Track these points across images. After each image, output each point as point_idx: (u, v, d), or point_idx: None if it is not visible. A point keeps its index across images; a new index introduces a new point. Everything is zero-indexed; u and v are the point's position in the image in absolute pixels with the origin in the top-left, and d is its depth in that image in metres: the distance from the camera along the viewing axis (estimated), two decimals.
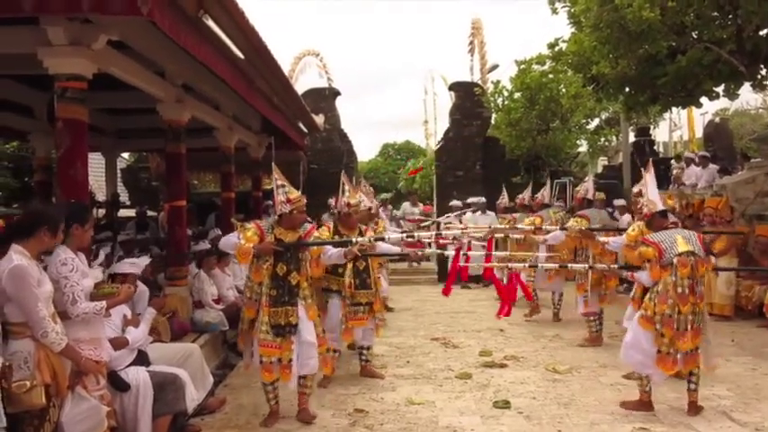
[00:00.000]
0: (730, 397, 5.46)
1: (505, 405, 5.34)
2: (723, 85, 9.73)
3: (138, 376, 4.18)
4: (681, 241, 4.97)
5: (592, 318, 7.54)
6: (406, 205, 15.50)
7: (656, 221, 5.30)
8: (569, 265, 6.88)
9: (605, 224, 7.79)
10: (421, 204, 15.95)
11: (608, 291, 7.49)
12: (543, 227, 7.87)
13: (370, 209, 7.49)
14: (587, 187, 8.37)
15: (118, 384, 4.02)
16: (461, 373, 6.34)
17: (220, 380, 6.12)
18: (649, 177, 5.45)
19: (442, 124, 20.48)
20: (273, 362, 4.81)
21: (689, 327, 4.87)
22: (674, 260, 4.90)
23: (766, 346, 7.25)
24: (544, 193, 9.26)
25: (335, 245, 5.35)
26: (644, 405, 5.09)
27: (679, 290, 4.87)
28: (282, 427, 4.93)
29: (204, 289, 6.90)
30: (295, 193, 4.99)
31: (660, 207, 5.31)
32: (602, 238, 6.47)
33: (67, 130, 4.66)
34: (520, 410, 5.22)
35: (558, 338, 7.89)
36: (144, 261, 5.20)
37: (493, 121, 16.26)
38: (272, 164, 5.17)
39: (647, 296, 5.11)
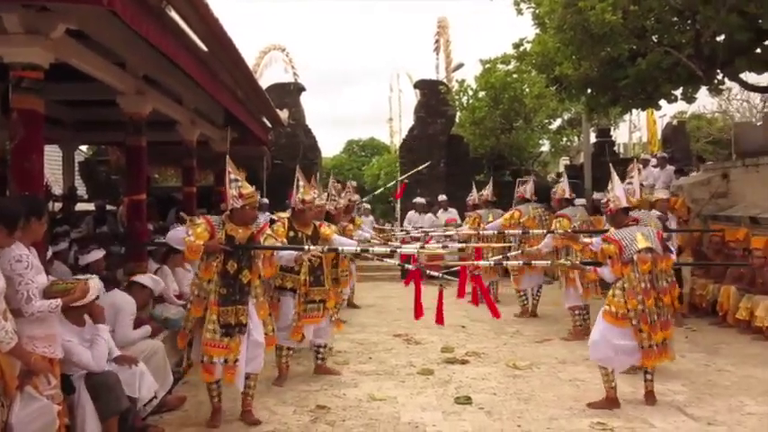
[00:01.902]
0: (684, 392, 5.60)
1: (467, 401, 5.38)
2: (681, 88, 9.96)
3: (77, 380, 4.08)
4: (640, 238, 5.14)
5: (577, 312, 7.73)
6: (411, 215, 13.27)
7: (619, 217, 5.43)
8: (533, 262, 6.98)
9: (585, 220, 7.99)
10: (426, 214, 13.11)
11: (590, 283, 7.58)
12: (531, 231, 8.09)
13: (349, 205, 7.46)
14: (564, 187, 8.44)
15: (65, 387, 3.90)
16: (423, 369, 6.37)
17: (180, 377, 6.03)
18: (616, 176, 5.65)
19: (407, 122, 20.55)
20: (216, 362, 4.66)
21: (656, 318, 5.08)
22: (634, 257, 5.06)
23: (719, 343, 7.45)
24: (526, 188, 9.38)
25: (287, 249, 5.19)
26: (611, 402, 5.18)
27: (642, 285, 5.07)
28: (242, 425, 4.88)
29: (168, 284, 6.79)
30: (248, 189, 4.83)
31: (624, 204, 5.45)
32: (585, 239, 6.56)
33: (22, 122, 4.51)
34: (481, 406, 5.27)
35: (519, 335, 7.99)
36: (98, 254, 5.10)
37: (457, 120, 16.38)
38: (227, 156, 5.03)
39: (611, 292, 5.24)
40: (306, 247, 5.22)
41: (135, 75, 6.51)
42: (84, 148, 17.98)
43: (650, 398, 5.26)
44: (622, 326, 5.09)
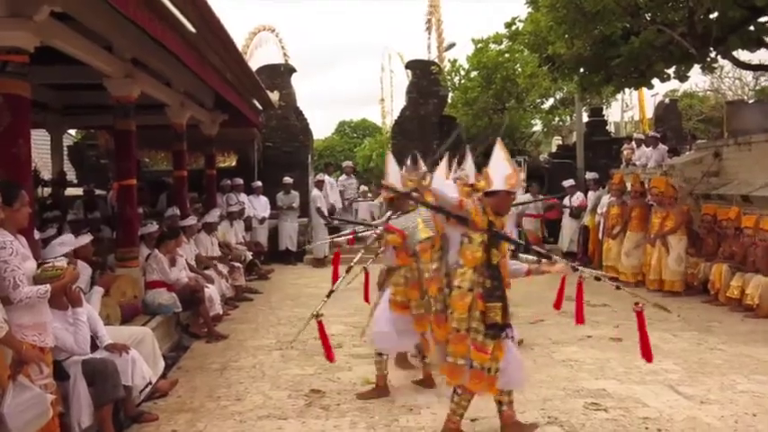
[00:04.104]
0: (677, 371, 5.63)
1: None
2: (674, 66, 9.91)
3: (73, 365, 4.06)
4: (422, 226, 4.96)
5: None
6: None
7: (398, 204, 5.24)
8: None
9: None
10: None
11: None
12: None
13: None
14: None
15: (58, 374, 3.88)
16: (416, 351, 6.35)
17: (173, 362, 6.02)
18: (390, 160, 5.48)
19: (399, 102, 20.45)
20: (485, 369, 3.98)
21: (440, 307, 4.90)
22: (417, 248, 4.93)
23: (711, 321, 7.50)
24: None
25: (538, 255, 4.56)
26: (381, 390, 5.13)
27: (426, 275, 4.89)
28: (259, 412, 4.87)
29: (165, 269, 6.77)
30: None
31: (401, 189, 5.20)
32: None
33: (8, 106, 4.43)
34: None
35: (513, 316, 7.97)
36: (85, 239, 5.04)
37: (449, 100, 16.29)
38: (498, 139, 4.36)
39: (394, 279, 5.10)
40: (557, 257, 4.51)
41: (122, 58, 6.43)
42: (72, 131, 17.82)
43: (429, 381, 5.25)
44: (406, 314, 5.00)
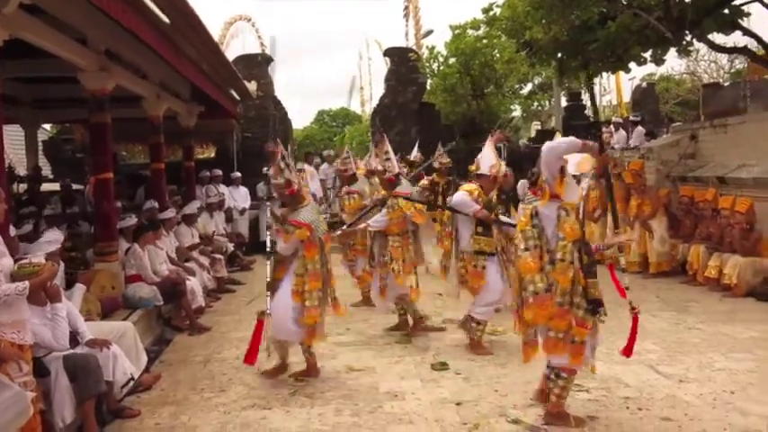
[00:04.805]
0: (656, 351, 5.72)
1: (443, 367, 5.42)
2: (651, 50, 9.99)
3: (54, 361, 4.02)
4: (321, 218, 5.15)
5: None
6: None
7: (298, 197, 5.23)
8: None
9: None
10: None
11: None
12: None
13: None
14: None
15: (39, 370, 3.84)
16: (401, 338, 6.40)
17: (156, 356, 5.99)
18: (281, 154, 5.42)
19: (378, 90, 20.41)
20: (586, 342, 4.06)
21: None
22: (321, 238, 5.07)
23: (689, 301, 7.61)
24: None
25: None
26: (281, 370, 5.33)
27: (328, 266, 5.15)
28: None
29: (144, 264, 6.71)
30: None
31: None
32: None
33: None
34: (458, 372, 5.32)
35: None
36: (56, 235, 4.98)
37: (428, 87, 16.27)
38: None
39: (295, 270, 5.10)
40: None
41: (96, 50, 6.32)
42: (47, 126, 17.54)
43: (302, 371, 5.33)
44: (300, 302, 5.06)
